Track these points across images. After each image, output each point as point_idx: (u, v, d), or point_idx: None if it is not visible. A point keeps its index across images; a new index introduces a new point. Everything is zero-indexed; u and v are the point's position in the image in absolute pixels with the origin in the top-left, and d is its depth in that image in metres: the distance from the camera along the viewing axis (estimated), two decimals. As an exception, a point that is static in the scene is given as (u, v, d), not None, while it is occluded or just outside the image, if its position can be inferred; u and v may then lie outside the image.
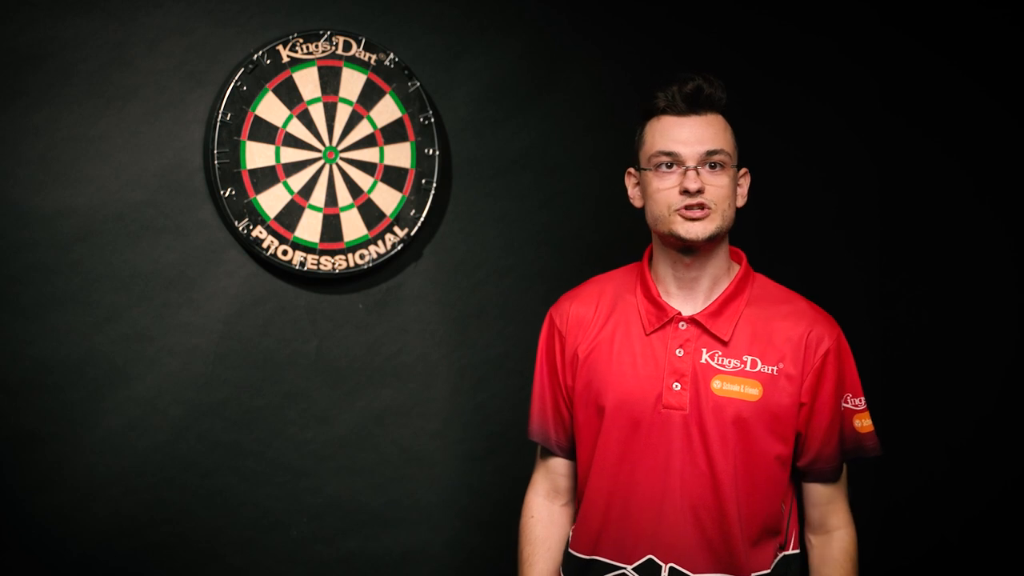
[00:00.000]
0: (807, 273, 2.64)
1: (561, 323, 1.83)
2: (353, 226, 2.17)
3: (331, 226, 2.15)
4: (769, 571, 1.71)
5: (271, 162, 2.09)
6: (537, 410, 1.86)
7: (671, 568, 1.69)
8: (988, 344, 2.55)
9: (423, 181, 2.21)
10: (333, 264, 2.15)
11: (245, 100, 2.06)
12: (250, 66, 2.06)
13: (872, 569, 2.67)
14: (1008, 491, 2.49)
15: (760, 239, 2.60)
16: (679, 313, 1.73)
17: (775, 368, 1.69)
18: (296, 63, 2.10)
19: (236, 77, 2.04)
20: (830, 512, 1.76)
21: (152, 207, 2.02)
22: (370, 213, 2.18)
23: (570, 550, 1.80)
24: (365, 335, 2.21)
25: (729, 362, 1.71)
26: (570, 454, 1.84)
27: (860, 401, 1.75)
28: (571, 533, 1.81)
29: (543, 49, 2.34)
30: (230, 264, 2.09)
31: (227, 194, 2.05)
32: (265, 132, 2.08)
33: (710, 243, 1.70)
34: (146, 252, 2.01)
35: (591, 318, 1.80)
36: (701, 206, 1.67)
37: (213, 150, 2.03)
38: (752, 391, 1.69)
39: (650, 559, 1.70)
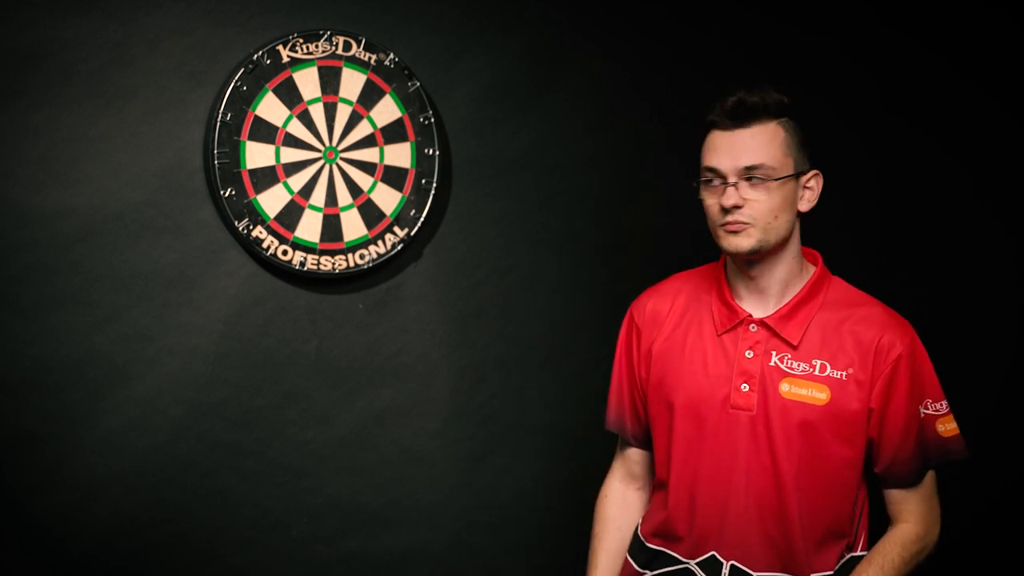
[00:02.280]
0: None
1: (639, 318, 1.87)
2: (353, 226, 2.17)
3: (331, 226, 2.15)
4: (832, 572, 1.72)
5: (271, 162, 2.09)
6: (614, 401, 1.91)
7: (732, 566, 1.72)
8: (988, 344, 2.55)
9: (423, 181, 2.21)
10: (333, 264, 2.15)
11: (245, 100, 2.06)
12: (250, 66, 2.06)
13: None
14: (1008, 491, 2.49)
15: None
16: (749, 315, 1.74)
17: (844, 373, 1.69)
18: (296, 63, 2.10)
19: (236, 77, 2.04)
20: (904, 510, 1.78)
21: (152, 207, 2.02)
22: (370, 213, 2.18)
23: (640, 536, 1.84)
24: (365, 335, 2.21)
25: (798, 365, 1.71)
26: (645, 444, 1.90)
27: (941, 405, 1.77)
28: (641, 520, 1.86)
29: (543, 49, 2.34)
30: (230, 264, 2.09)
31: (227, 194, 2.05)
32: (265, 132, 2.08)
33: (763, 254, 1.70)
34: (146, 252, 2.01)
35: (667, 315, 1.84)
36: (739, 221, 1.67)
37: (213, 150, 2.03)
38: (820, 395, 1.69)
39: (713, 555, 1.73)
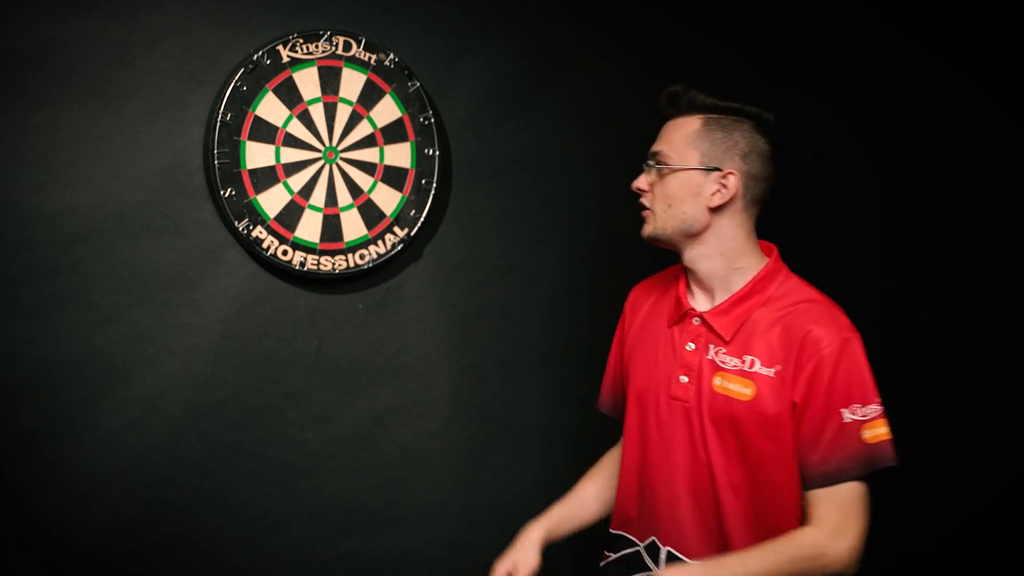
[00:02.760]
0: (807, 273, 2.65)
1: (627, 305, 1.97)
2: (353, 226, 2.16)
3: (331, 226, 2.15)
4: None
5: (271, 162, 2.09)
6: (607, 383, 2.01)
7: (668, 551, 1.76)
8: (988, 344, 2.55)
9: (423, 181, 2.21)
10: (333, 264, 2.15)
11: (245, 100, 2.06)
12: (250, 66, 2.06)
13: (871, 569, 2.68)
14: (1008, 491, 2.49)
15: (758, 239, 2.61)
16: (692, 309, 1.79)
17: (773, 370, 1.70)
18: (296, 63, 2.10)
19: (236, 77, 2.04)
20: (814, 514, 1.68)
21: (152, 207, 2.02)
22: (370, 213, 2.18)
23: (610, 521, 1.92)
24: (365, 335, 2.21)
25: (730, 360, 1.74)
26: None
27: (871, 409, 1.68)
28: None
29: (543, 49, 2.34)
30: (230, 264, 2.09)
31: (227, 194, 2.05)
32: (265, 132, 2.08)
33: (673, 244, 1.78)
34: (146, 252, 2.01)
35: (643, 304, 1.93)
36: (642, 206, 1.80)
37: (213, 150, 2.03)
38: (746, 391, 1.71)
39: (654, 540, 1.79)
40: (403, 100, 2.19)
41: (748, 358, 1.72)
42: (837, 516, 1.66)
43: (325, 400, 2.18)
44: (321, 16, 2.14)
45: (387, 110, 2.18)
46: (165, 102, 2.02)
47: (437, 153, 2.21)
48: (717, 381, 1.73)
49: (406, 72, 2.18)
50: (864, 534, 1.68)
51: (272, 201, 2.09)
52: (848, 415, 1.67)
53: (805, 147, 2.63)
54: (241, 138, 2.06)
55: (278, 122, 2.10)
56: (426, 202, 2.21)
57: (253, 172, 2.07)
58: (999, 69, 2.52)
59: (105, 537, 2.00)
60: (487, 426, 2.33)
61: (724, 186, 1.74)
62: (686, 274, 1.82)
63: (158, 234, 2.02)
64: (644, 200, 1.79)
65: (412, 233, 2.21)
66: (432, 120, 2.20)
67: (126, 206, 1.99)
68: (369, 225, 2.18)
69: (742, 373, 1.72)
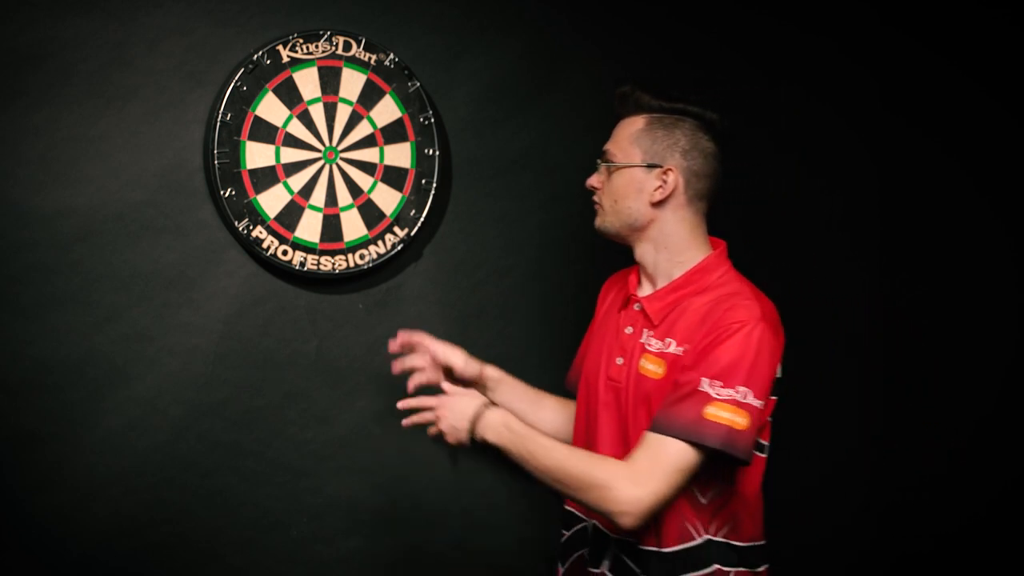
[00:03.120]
0: (807, 273, 2.65)
1: (600, 293, 2.11)
2: (353, 226, 2.16)
3: (331, 226, 2.15)
4: (672, 549, 1.77)
5: (271, 162, 2.09)
6: (574, 362, 2.13)
7: (593, 525, 1.89)
8: (988, 344, 2.55)
9: (423, 181, 2.21)
10: (333, 264, 2.15)
11: (245, 100, 2.06)
12: (250, 66, 2.06)
13: (870, 569, 2.68)
14: (1008, 491, 2.49)
15: (759, 239, 2.61)
16: (634, 295, 1.91)
17: (683, 349, 1.78)
18: (296, 63, 2.10)
19: (236, 77, 2.04)
20: (632, 454, 1.72)
21: (152, 207, 2.02)
22: (370, 213, 2.18)
23: (564, 506, 2.00)
24: (365, 335, 2.21)
25: (655, 343, 1.83)
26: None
27: (727, 393, 1.68)
28: None
29: (543, 49, 2.34)
30: (230, 264, 2.09)
31: (227, 194, 2.05)
32: (265, 132, 2.08)
33: (622, 237, 1.90)
34: (146, 252, 2.01)
35: (610, 293, 2.06)
36: (594, 202, 1.93)
37: (213, 150, 2.03)
38: (658, 370, 1.80)
39: (591, 516, 1.91)
40: (403, 100, 2.19)
41: (669, 340, 1.81)
42: (647, 465, 1.69)
43: (325, 400, 2.18)
44: (321, 16, 2.14)
45: (387, 110, 2.18)
46: (165, 102, 2.02)
47: (437, 153, 2.21)
48: (642, 363, 1.83)
49: (406, 72, 2.18)
50: (660, 500, 1.69)
51: (272, 201, 2.09)
52: (706, 385, 1.70)
53: (805, 147, 2.63)
54: (241, 138, 2.06)
55: (278, 122, 2.10)
56: (426, 202, 2.21)
57: (253, 172, 2.07)
58: (999, 69, 2.52)
59: (105, 537, 2.00)
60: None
61: (665, 182, 1.83)
62: (637, 265, 1.94)
63: (158, 234, 2.02)
64: (596, 196, 1.93)
65: (412, 233, 2.21)
66: (432, 120, 2.20)
67: (126, 206, 1.99)
68: (369, 225, 2.18)
69: (659, 354, 1.81)
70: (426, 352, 2.00)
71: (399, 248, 2.20)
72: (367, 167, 2.17)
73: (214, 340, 2.07)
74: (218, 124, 2.03)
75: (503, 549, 2.36)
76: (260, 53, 2.06)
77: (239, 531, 2.11)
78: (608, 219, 1.90)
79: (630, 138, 1.87)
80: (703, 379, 1.70)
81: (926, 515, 2.62)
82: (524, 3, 2.32)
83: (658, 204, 1.84)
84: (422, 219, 2.21)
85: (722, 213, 2.56)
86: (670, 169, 1.83)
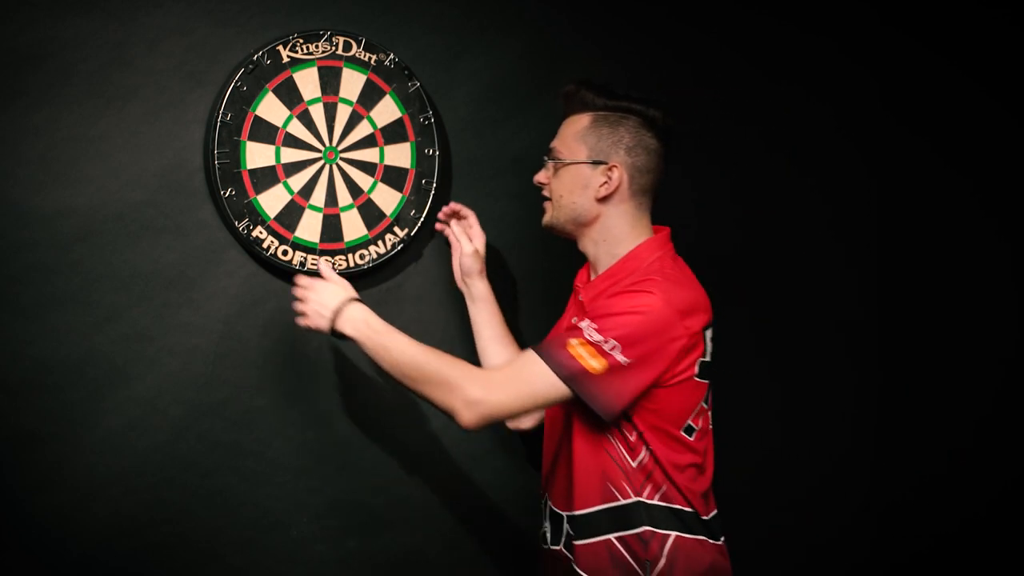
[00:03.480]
0: (807, 273, 2.65)
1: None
2: (353, 226, 2.17)
3: (331, 226, 2.15)
4: (594, 509, 1.86)
5: (271, 162, 2.09)
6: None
7: (547, 504, 2.01)
8: (987, 344, 2.55)
9: (423, 181, 2.21)
10: (333, 264, 2.15)
11: (245, 100, 2.06)
12: (250, 66, 2.06)
13: (870, 569, 2.68)
14: (1008, 491, 2.50)
15: (757, 239, 2.61)
16: (578, 286, 2.02)
17: None
18: (296, 63, 2.10)
19: (236, 77, 2.04)
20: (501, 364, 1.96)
21: (152, 207, 2.02)
22: (370, 213, 2.18)
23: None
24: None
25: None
26: None
27: (591, 335, 1.76)
28: None
29: (543, 49, 2.34)
30: (230, 264, 2.09)
31: (227, 194, 2.05)
32: (265, 132, 2.08)
33: (569, 232, 1.97)
34: (146, 252, 2.01)
35: (578, 284, 2.09)
36: (543, 198, 1.99)
37: (213, 150, 2.03)
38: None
39: (545, 497, 2.02)
40: (403, 100, 2.19)
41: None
42: (504, 375, 1.82)
43: (325, 400, 2.18)
44: (321, 16, 2.14)
45: (387, 110, 2.18)
46: (165, 102, 2.02)
47: (437, 153, 2.21)
48: None
49: (406, 72, 2.18)
50: (502, 410, 1.79)
51: (272, 201, 2.09)
52: (584, 324, 1.78)
53: (805, 147, 2.63)
54: (241, 138, 2.06)
55: (278, 122, 2.10)
56: (426, 202, 2.21)
57: (253, 172, 2.07)
58: (999, 69, 2.52)
59: (105, 537, 2.00)
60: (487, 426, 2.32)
61: (609, 178, 1.90)
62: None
63: (158, 234, 2.02)
64: (544, 193, 1.99)
65: (412, 233, 2.21)
66: (432, 120, 2.20)
67: (126, 206, 1.99)
68: (369, 225, 2.18)
69: None
70: (469, 227, 2.15)
71: (399, 248, 2.20)
72: (367, 167, 2.17)
73: (214, 340, 2.07)
74: (218, 124, 2.03)
75: (503, 549, 2.36)
76: (260, 53, 2.06)
77: (239, 531, 2.11)
78: (555, 214, 1.97)
79: (575, 135, 1.93)
80: (585, 319, 1.79)
81: (926, 515, 2.62)
82: (524, 3, 2.32)
83: (603, 200, 1.91)
84: (422, 219, 2.21)
85: (722, 213, 2.57)
86: (615, 165, 1.90)
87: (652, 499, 1.85)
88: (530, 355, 1.81)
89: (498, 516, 2.35)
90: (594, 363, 1.75)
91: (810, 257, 2.65)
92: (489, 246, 2.33)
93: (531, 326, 2.37)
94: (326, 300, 1.88)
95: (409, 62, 2.20)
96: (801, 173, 2.62)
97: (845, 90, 2.62)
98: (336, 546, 2.19)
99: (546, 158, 1.98)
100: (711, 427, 1.95)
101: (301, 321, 1.90)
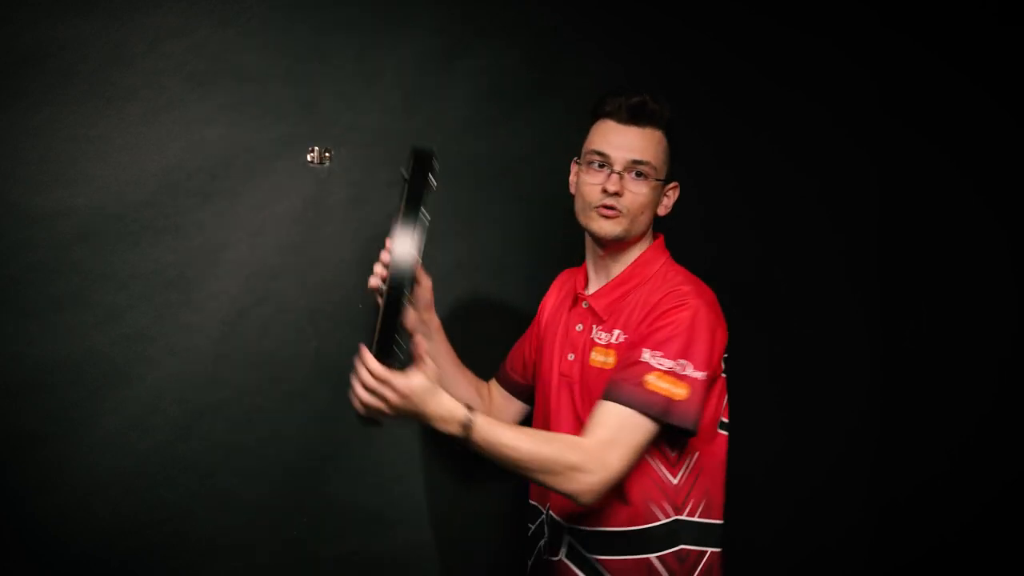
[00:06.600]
0: (807, 273, 2.65)
1: (554, 283, 2.19)
2: (353, 226, 2.16)
3: (331, 226, 2.15)
4: (636, 528, 1.84)
5: (271, 162, 2.09)
6: (513, 349, 2.23)
7: (548, 514, 1.99)
8: (987, 344, 2.55)
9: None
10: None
11: (245, 100, 2.06)
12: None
13: (870, 569, 2.68)
14: (1008, 491, 2.50)
15: (757, 240, 2.61)
16: (582, 294, 2.01)
17: (627, 335, 1.87)
18: (296, 63, 2.10)
19: (236, 77, 2.04)
20: (590, 423, 1.79)
21: (152, 207, 2.02)
22: (370, 213, 2.18)
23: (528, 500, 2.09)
24: (365, 335, 2.20)
25: (604, 336, 1.91)
26: (509, 387, 2.22)
27: (667, 364, 1.77)
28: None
29: (543, 49, 2.35)
30: (230, 264, 2.09)
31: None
32: (265, 132, 2.08)
33: (623, 244, 1.95)
34: (146, 252, 2.01)
35: (558, 290, 2.14)
36: (614, 208, 1.89)
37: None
38: (610, 360, 1.88)
39: (547, 506, 2.00)
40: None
41: (616, 331, 1.89)
42: (605, 439, 1.74)
43: (325, 400, 2.17)
44: (321, 16, 2.13)
45: (387, 110, 2.18)
46: (165, 102, 2.02)
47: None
48: (593, 355, 1.93)
49: (406, 72, 2.18)
50: (621, 475, 1.76)
51: (272, 201, 2.09)
52: (647, 355, 1.77)
53: (805, 148, 2.64)
54: (241, 138, 2.06)
55: (278, 122, 2.09)
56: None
57: (253, 172, 2.07)
58: (999, 69, 2.52)
59: (105, 537, 2.00)
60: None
61: (667, 197, 1.97)
62: (588, 261, 2.02)
63: (158, 234, 2.02)
64: (617, 204, 1.89)
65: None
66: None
67: (126, 206, 1.99)
68: (369, 225, 2.18)
69: (610, 345, 1.88)
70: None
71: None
72: (367, 167, 2.17)
73: (214, 340, 2.07)
74: (218, 124, 2.03)
75: (503, 549, 2.36)
76: (260, 53, 2.06)
77: (239, 531, 2.11)
78: (630, 228, 1.92)
79: (663, 153, 1.93)
80: (644, 350, 1.79)
81: (926, 515, 2.62)
82: (524, 3, 2.33)
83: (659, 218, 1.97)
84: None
85: (723, 213, 2.57)
86: (676, 185, 1.97)
87: (692, 516, 1.87)
88: (612, 408, 1.76)
89: (498, 516, 2.35)
90: (678, 390, 1.76)
91: (810, 257, 2.65)
92: (489, 247, 2.34)
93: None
94: (438, 411, 1.70)
95: (409, 62, 2.20)
96: (801, 174, 2.62)
97: (845, 91, 2.62)
98: (336, 546, 2.19)
99: (640, 172, 1.90)
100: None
101: (374, 415, 1.70)
